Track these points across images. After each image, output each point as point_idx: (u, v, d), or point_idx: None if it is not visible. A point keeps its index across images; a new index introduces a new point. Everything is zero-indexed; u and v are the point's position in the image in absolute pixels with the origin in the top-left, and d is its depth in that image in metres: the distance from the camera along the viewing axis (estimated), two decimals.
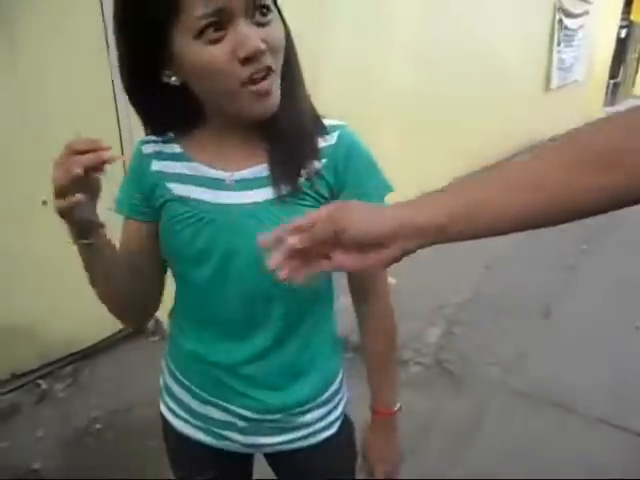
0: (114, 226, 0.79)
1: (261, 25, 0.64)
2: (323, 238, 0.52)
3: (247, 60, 0.63)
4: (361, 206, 0.55)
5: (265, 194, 0.73)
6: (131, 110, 0.77)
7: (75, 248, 0.71)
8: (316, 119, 0.76)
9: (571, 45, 7.37)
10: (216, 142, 0.76)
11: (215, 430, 0.87)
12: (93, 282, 0.77)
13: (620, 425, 2.05)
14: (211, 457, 0.91)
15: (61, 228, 0.68)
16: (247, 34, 0.62)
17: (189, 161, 0.77)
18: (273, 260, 0.53)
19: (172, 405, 0.91)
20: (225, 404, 0.84)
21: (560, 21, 6.80)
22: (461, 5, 4.52)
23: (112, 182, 0.70)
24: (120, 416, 2.08)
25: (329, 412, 0.88)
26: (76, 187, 0.60)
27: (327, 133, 0.75)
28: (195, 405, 0.87)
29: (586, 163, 0.45)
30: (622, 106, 10.90)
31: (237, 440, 0.86)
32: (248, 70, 0.64)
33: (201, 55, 0.63)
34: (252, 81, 0.65)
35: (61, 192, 0.61)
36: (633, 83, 12.65)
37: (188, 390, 0.87)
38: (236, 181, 0.74)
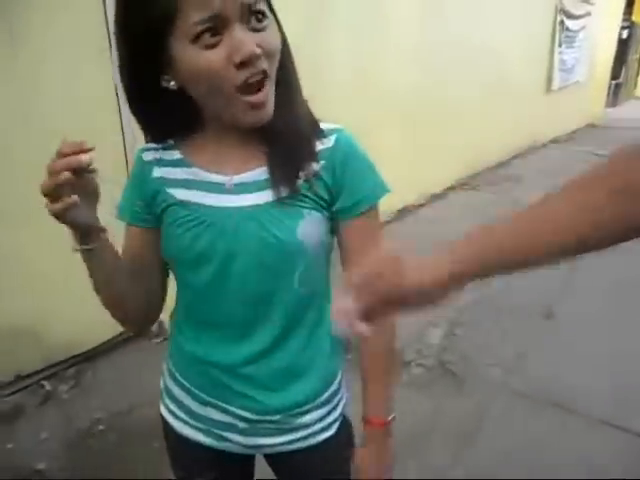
0: (116, 232, 0.80)
1: (256, 30, 0.66)
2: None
3: (242, 64, 0.64)
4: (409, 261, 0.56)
5: (265, 197, 0.74)
6: None
7: (79, 254, 0.72)
8: (313, 123, 0.77)
9: (572, 46, 7.37)
10: (215, 147, 0.77)
11: (215, 431, 0.87)
12: (97, 288, 0.78)
13: (620, 426, 2.04)
14: (212, 458, 0.91)
15: (65, 233, 0.69)
16: (242, 39, 0.64)
17: (189, 166, 0.78)
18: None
19: (172, 407, 0.91)
20: (224, 405, 0.84)
21: (561, 22, 6.80)
22: (462, 6, 4.52)
23: (115, 187, 0.71)
24: (122, 417, 2.09)
25: (328, 413, 0.88)
26: (67, 189, 0.61)
27: (324, 136, 0.77)
28: (195, 406, 0.87)
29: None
30: (624, 107, 10.89)
31: (237, 441, 0.87)
32: (243, 74, 0.65)
33: (197, 59, 0.65)
34: (247, 87, 0.66)
35: (50, 195, 0.62)
36: (635, 84, 12.60)
37: (188, 391, 0.87)
38: (236, 185, 0.75)
